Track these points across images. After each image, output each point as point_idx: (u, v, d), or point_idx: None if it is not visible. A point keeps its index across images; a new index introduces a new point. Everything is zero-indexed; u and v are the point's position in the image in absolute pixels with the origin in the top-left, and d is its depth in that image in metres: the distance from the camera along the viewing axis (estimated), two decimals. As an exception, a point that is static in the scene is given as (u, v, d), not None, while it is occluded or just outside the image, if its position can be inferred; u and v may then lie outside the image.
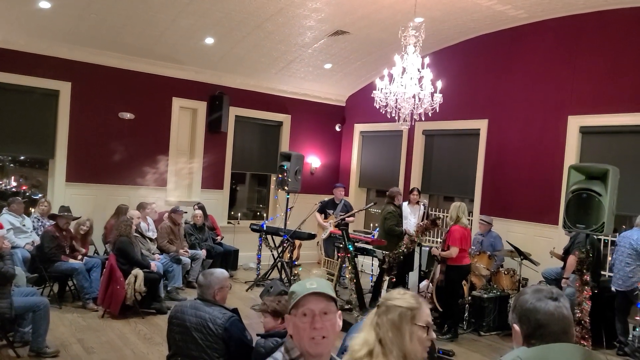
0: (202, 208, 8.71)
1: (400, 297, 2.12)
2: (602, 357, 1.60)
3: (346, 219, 7.79)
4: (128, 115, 8.61)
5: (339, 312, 1.89)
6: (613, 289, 6.05)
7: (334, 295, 1.86)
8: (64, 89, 8.07)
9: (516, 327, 1.65)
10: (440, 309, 6.48)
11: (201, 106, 9.39)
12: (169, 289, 7.27)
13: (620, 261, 6.01)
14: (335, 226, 7.85)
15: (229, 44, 8.47)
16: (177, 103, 9.14)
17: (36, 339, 4.93)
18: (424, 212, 8.21)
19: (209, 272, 3.61)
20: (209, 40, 8.25)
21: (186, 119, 9.40)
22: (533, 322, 1.60)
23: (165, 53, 8.56)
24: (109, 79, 8.41)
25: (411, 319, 2.03)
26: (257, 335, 3.35)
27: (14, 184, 9.68)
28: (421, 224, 7.08)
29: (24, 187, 9.64)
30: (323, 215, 9.00)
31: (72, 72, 8.09)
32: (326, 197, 9.39)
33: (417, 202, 8.22)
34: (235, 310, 3.52)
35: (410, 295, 2.17)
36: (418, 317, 2.06)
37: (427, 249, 7.65)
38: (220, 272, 3.61)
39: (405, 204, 8.31)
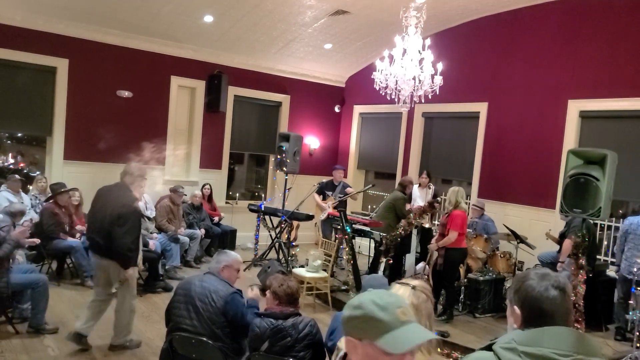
0: (210, 189, 8.87)
1: (428, 288, 2.18)
2: (593, 339, 1.58)
3: (349, 196, 7.87)
4: (126, 94, 8.56)
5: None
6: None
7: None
8: (62, 65, 8.00)
9: (517, 309, 1.65)
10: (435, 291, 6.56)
11: (200, 85, 9.32)
12: (167, 268, 7.30)
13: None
14: (334, 208, 7.88)
15: (228, 23, 8.38)
16: (176, 82, 9.07)
17: (35, 316, 4.97)
18: (433, 195, 8.17)
19: (224, 252, 3.88)
20: (208, 18, 8.16)
21: (184, 98, 9.34)
22: (537, 311, 1.60)
23: (163, 31, 8.46)
24: (106, 56, 8.33)
25: (428, 316, 2.19)
26: (255, 313, 3.40)
27: (11, 161, 9.65)
28: (419, 206, 7.12)
29: (22, 164, 9.62)
30: (322, 196, 9.02)
31: (69, 48, 8.01)
32: (325, 179, 9.39)
33: (427, 185, 8.24)
34: (239, 291, 3.62)
35: (419, 288, 2.25)
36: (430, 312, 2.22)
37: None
38: (233, 254, 3.84)
39: (415, 186, 8.37)
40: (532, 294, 1.61)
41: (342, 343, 1.95)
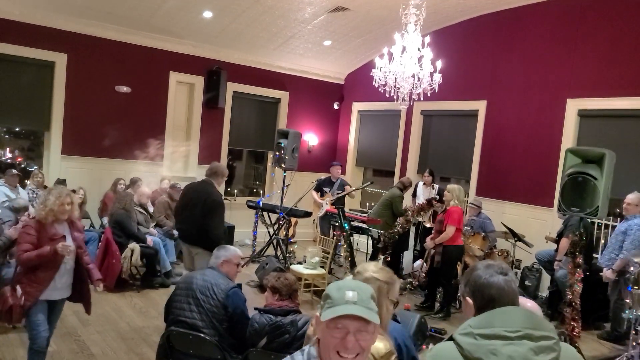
0: None
1: (378, 271, 2.25)
2: (543, 317, 1.70)
3: (347, 193, 7.91)
4: (125, 89, 8.54)
5: (377, 324, 1.64)
6: None
7: (375, 316, 1.61)
8: (60, 60, 7.97)
9: (469, 300, 1.77)
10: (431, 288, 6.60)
11: (198, 81, 9.30)
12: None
13: None
14: (332, 204, 7.89)
15: (227, 18, 8.36)
16: (174, 77, 9.05)
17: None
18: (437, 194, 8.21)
19: (223, 246, 3.92)
20: (207, 14, 8.14)
21: (183, 93, 9.32)
22: (486, 296, 1.72)
23: (163, 26, 8.44)
24: (105, 51, 8.31)
25: (387, 293, 2.20)
26: (255, 309, 3.43)
27: (9, 155, 9.63)
28: (418, 204, 7.13)
29: (19, 159, 9.60)
30: (319, 193, 9.03)
31: (68, 43, 7.98)
32: (323, 176, 9.40)
33: (431, 185, 8.30)
34: (238, 286, 3.66)
35: (386, 270, 2.31)
36: (392, 292, 2.23)
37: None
38: (232, 249, 3.88)
39: (420, 184, 8.42)
40: (480, 282, 1.74)
41: (310, 330, 2.00)
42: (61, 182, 7.00)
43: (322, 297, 1.66)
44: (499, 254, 7.25)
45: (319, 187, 9.02)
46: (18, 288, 3.64)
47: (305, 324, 3.21)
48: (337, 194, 8.26)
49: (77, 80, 8.10)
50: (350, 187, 8.99)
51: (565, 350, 1.63)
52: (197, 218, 5.02)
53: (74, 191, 6.98)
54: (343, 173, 9.94)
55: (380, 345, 2.00)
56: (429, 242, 6.48)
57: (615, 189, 5.35)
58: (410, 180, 8.15)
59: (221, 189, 9.81)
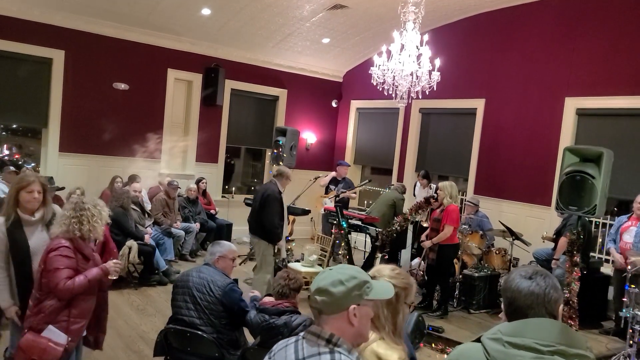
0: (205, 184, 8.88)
1: (396, 276, 2.18)
2: (578, 333, 1.64)
3: (349, 192, 7.98)
4: (122, 86, 8.52)
5: None
6: None
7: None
8: (58, 57, 7.95)
9: (502, 303, 1.76)
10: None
11: (196, 78, 9.28)
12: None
13: None
14: (335, 202, 7.90)
15: (226, 16, 8.33)
16: (172, 75, 9.03)
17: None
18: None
19: (217, 242, 3.91)
20: (206, 11, 8.12)
21: (181, 91, 9.30)
22: (506, 299, 1.70)
23: (161, 23, 8.41)
24: (103, 48, 8.28)
25: (404, 298, 2.15)
26: (254, 304, 3.48)
27: (6, 152, 9.60)
28: (415, 202, 7.13)
29: (17, 156, 9.57)
30: (326, 190, 9.03)
31: (65, 40, 7.95)
32: (320, 174, 9.37)
33: (428, 185, 8.36)
34: (235, 281, 3.66)
35: (404, 274, 2.25)
36: (409, 296, 2.20)
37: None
38: (227, 244, 3.86)
39: (418, 184, 8.49)
40: (508, 285, 1.70)
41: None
42: (48, 179, 6.95)
43: (358, 285, 1.71)
44: (497, 252, 7.25)
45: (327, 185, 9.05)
46: (54, 330, 2.88)
47: (300, 326, 3.17)
48: (342, 192, 8.26)
49: (75, 77, 8.08)
50: (352, 193, 9.00)
51: None
52: (257, 209, 5.88)
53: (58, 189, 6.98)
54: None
55: (395, 356, 1.96)
56: (426, 242, 6.41)
57: (613, 187, 5.36)
58: (405, 187, 8.32)
59: (219, 187, 9.97)
